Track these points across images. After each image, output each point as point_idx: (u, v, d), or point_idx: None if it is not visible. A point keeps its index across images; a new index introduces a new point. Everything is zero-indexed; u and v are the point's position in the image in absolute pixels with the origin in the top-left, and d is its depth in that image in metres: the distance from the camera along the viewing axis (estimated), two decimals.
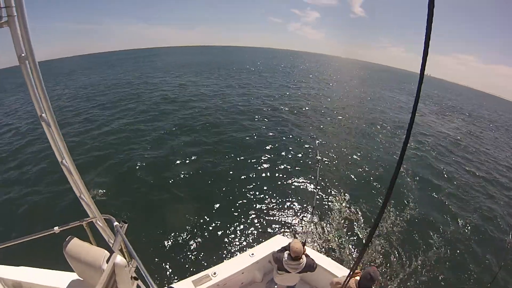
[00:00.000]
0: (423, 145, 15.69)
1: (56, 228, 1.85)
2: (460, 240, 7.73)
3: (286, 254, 3.28)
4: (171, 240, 6.51)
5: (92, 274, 1.65)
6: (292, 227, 7.24)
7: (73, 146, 11.84)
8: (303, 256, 3.24)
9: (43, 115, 1.33)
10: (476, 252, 7.33)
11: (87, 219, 1.91)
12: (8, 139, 13.60)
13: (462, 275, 6.52)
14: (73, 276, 1.88)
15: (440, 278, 6.29)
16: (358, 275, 3.01)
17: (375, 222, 1.04)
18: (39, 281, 2.30)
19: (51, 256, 2.07)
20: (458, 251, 7.25)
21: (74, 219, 1.95)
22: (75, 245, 1.73)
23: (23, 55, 1.14)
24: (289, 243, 3.31)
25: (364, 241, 6.98)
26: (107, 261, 1.71)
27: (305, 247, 3.44)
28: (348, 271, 3.74)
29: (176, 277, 3.61)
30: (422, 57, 0.66)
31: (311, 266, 3.31)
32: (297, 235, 6.95)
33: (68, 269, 1.90)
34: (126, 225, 1.92)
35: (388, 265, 6.37)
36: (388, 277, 6.04)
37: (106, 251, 1.76)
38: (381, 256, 6.57)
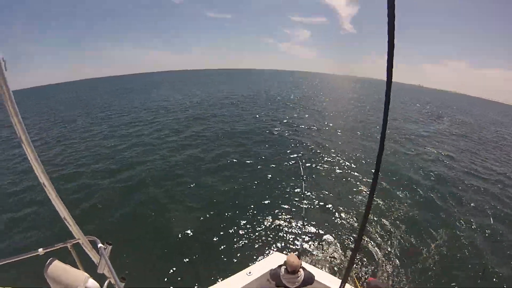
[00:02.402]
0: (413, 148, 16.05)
1: (40, 249, 1.83)
2: (449, 240, 7.90)
3: (283, 269, 3.26)
4: (164, 259, 6.40)
5: None
6: (290, 243, 7.14)
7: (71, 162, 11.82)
8: (301, 270, 3.21)
9: (22, 137, 1.35)
10: (463, 250, 7.54)
11: (72, 240, 1.91)
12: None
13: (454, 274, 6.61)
14: None
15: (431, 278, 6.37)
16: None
17: (359, 231, 1.04)
18: None
19: (36, 278, 2.03)
20: (447, 252, 7.40)
21: (61, 240, 1.93)
22: (56, 267, 1.72)
23: None
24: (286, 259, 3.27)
25: (351, 251, 6.98)
26: None
27: (302, 261, 3.39)
28: (351, 287, 3.66)
29: None
30: (387, 66, 0.69)
31: (310, 278, 3.29)
32: (294, 251, 6.85)
33: None
34: (110, 246, 1.93)
35: (382, 271, 6.42)
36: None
37: (86, 274, 1.76)
38: (374, 263, 6.61)
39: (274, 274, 3.33)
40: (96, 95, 48.42)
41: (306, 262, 5.32)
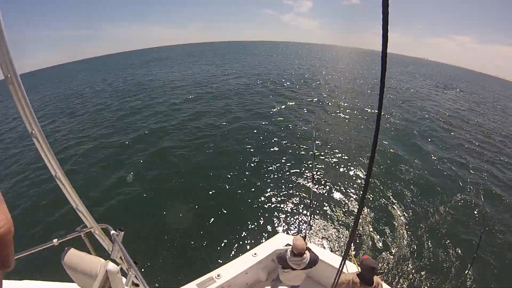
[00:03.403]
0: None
1: (55, 240, 1.90)
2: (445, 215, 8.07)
3: (289, 251, 3.28)
4: (173, 244, 6.58)
5: (90, 282, 1.70)
6: (293, 224, 7.30)
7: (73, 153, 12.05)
8: (306, 252, 3.25)
9: (33, 131, 1.36)
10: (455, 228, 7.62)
11: (85, 229, 1.96)
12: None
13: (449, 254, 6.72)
14: (74, 286, 1.92)
15: (425, 257, 6.53)
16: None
17: (358, 210, 1.05)
18: None
19: (53, 268, 2.12)
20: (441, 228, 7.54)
21: (73, 230, 2.00)
22: (72, 255, 1.78)
23: (9, 76, 1.18)
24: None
25: (349, 231, 7.14)
26: None
27: (307, 242, 3.43)
28: (351, 263, 3.77)
29: (179, 281, 3.63)
30: (382, 36, 0.67)
31: (315, 260, 3.32)
32: (298, 232, 7.03)
33: (70, 280, 1.94)
34: (123, 232, 1.99)
35: (379, 250, 6.62)
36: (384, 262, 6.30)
37: (102, 260, 1.81)
38: (370, 242, 6.83)
39: (280, 258, 3.34)
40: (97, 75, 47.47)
41: (310, 242, 5.42)
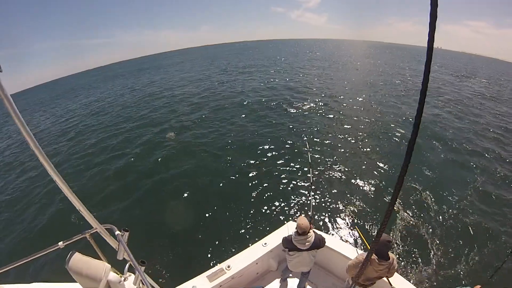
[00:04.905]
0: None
1: (60, 243, 1.92)
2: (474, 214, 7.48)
3: (293, 232, 3.32)
4: (182, 238, 6.62)
5: (95, 286, 1.73)
6: (304, 213, 7.21)
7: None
8: (311, 231, 3.26)
9: (28, 139, 1.36)
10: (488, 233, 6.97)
11: (89, 230, 1.96)
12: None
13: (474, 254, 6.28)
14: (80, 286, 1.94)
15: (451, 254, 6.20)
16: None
17: (390, 202, 0.93)
18: None
19: (60, 270, 2.13)
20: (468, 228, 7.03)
21: (77, 232, 2.00)
22: (77, 260, 1.80)
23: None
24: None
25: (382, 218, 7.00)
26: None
27: (319, 232, 3.57)
28: (361, 251, 3.70)
29: (190, 273, 3.67)
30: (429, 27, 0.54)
31: (321, 241, 3.36)
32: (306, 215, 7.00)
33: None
34: (127, 233, 1.98)
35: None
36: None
37: (106, 264, 1.84)
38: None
39: (286, 240, 3.40)
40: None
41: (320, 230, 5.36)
